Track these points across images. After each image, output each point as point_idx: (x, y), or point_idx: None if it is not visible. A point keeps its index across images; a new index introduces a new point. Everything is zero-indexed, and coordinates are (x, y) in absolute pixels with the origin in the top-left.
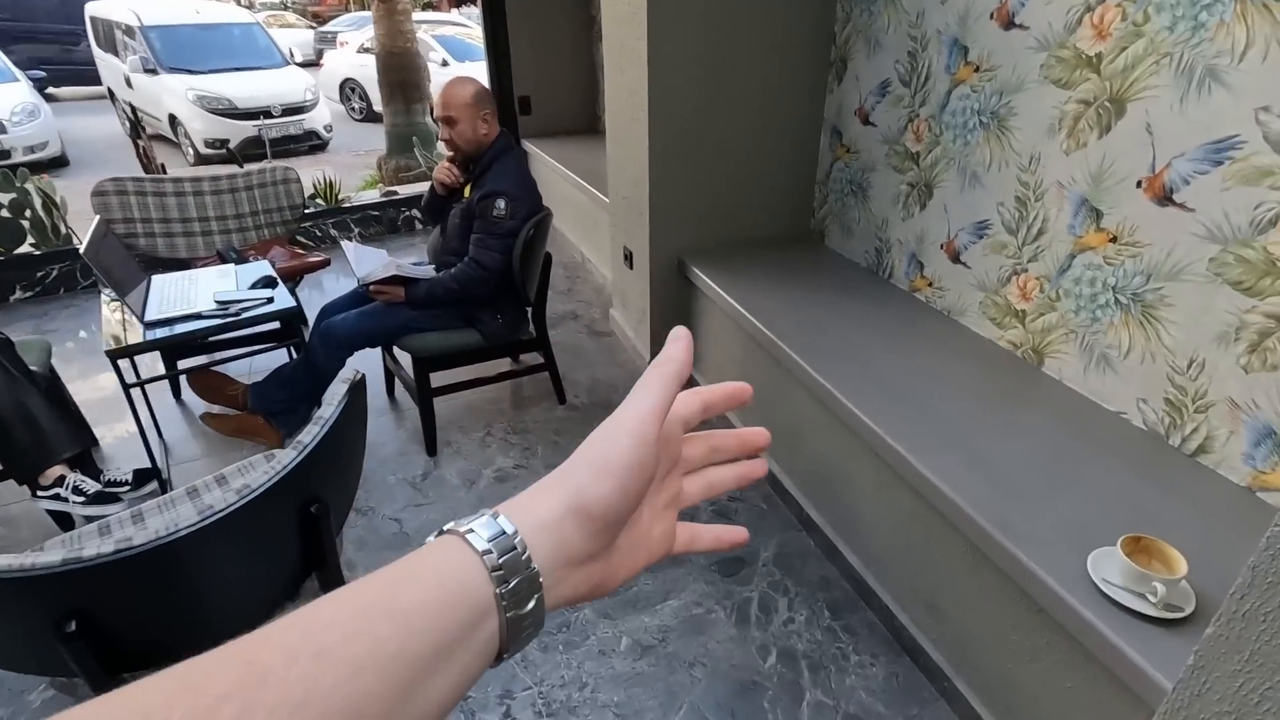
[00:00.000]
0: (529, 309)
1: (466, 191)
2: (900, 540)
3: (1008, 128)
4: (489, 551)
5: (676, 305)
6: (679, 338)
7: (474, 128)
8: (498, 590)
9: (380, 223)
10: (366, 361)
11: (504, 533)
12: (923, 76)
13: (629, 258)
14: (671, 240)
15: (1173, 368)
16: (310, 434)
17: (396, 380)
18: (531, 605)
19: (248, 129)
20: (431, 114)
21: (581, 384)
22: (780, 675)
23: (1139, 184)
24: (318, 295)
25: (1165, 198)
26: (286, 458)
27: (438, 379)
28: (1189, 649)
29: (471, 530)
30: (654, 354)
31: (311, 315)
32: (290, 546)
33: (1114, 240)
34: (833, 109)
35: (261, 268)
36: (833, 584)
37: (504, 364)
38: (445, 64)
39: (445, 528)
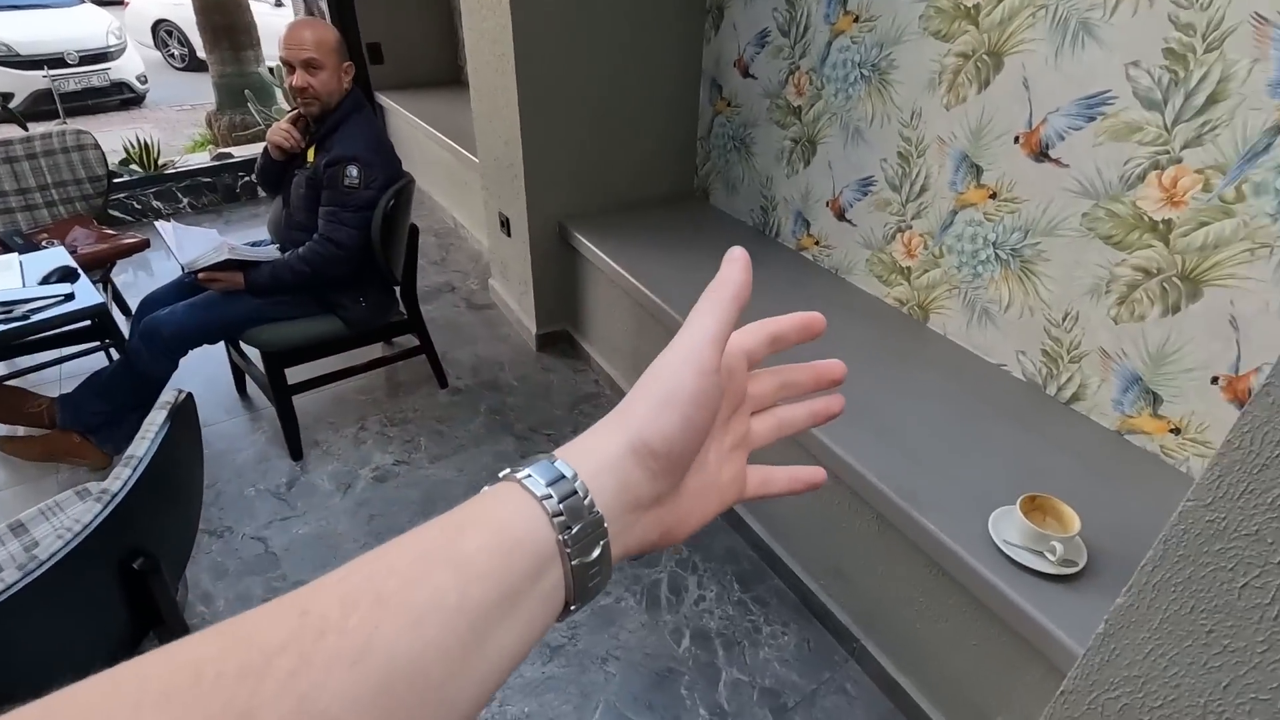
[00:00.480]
0: (397, 288)
1: (310, 155)
2: (804, 508)
3: (888, 81)
4: (548, 496)
5: (561, 273)
6: (735, 258)
7: (338, 78)
8: (560, 537)
9: (214, 190)
10: (208, 356)
11: (563, 476)
12: (802, 26)
13: (505, 224)
14: (550, 204)
15: (1049, 320)
16: (120, 479)
17: (248, 377)
18: (597, 553)
19: (38, 80)
20: (282, 62)
21: (464, 364)
22: (695, 658)
23: (1016, 140)
24: (146, 280)
25: (1041, 154)
26: (88, 515)
27: (296, 374)
28: (1084, 602)
29: (529, 475)
30: (539, 327)
31: (138, 306)
32: (112, 611)
33: (994, 196)
34: (711, 60)
35: (56, 256)
36: (740, 555)
37: (375, 350)
38: (279, 3)
39: (501, 474)
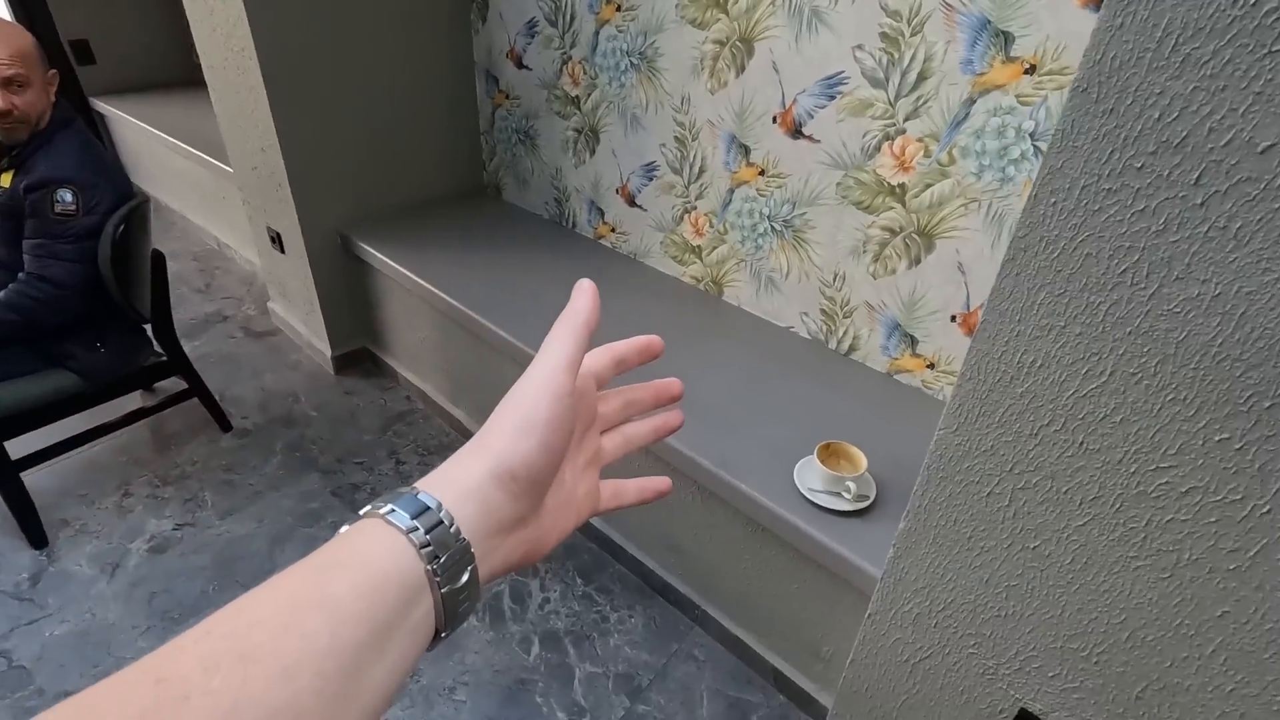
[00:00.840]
0: (147, 325)
1: (6, 179)
2: None
3: (657, 69)
4: (415, 528)
5: (350, 287)
6: (585, 289)
7: (45, 92)
8: (428, 567)
9: None
10: None
11: (427, 507)
12: (568, 16)
13: (277, 240)
14: (326, 213)
15: (823, 282)
16: None
17: None
18: (465, 578)
19: None
20: None
21: (249, 400)
22: (547, 662)
23: (774, 119)
24: None
25: (796, 131)
26: None
27: (21, 444)
28: (878, 531)
29: (392, 510)
30: (335, 348)
31: None
32: None
33: (762, 173)
34: (482, 51)
35: None
36: (579, 549)
37: (132, 400)
38: None
39: (362, 511)
